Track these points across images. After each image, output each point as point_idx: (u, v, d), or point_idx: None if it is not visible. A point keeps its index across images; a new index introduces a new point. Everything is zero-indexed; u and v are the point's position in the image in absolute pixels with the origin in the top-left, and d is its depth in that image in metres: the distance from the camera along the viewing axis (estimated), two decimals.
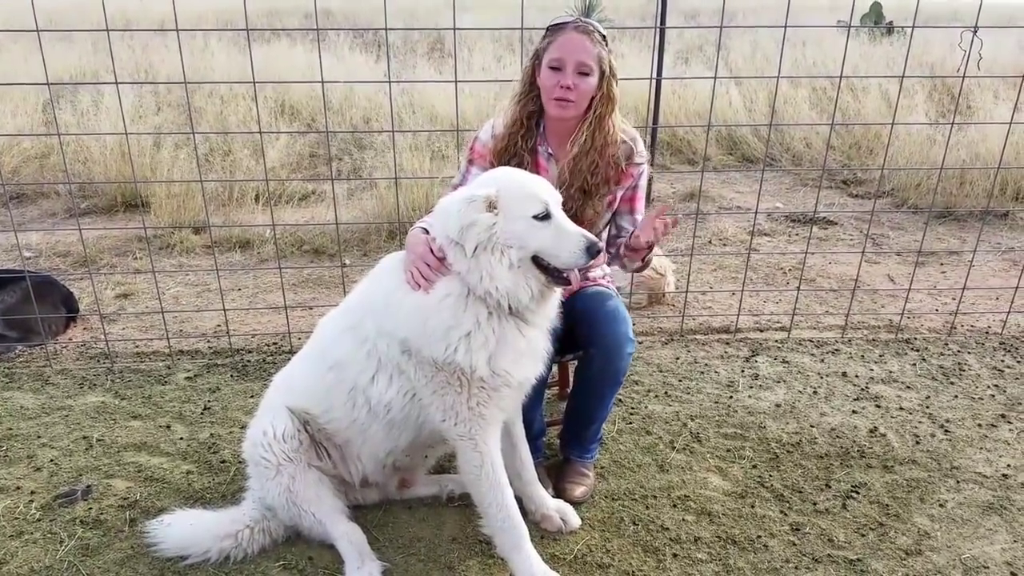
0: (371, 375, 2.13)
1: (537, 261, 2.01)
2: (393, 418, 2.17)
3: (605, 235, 2.58)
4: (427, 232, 2.09)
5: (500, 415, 2.15)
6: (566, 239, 1.97)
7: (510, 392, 2.10)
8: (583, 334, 2.42)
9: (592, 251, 1.96)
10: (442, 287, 2.01)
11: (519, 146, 2.42)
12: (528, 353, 2.09)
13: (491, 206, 1.96)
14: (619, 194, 2.48)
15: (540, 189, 2.02)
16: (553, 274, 2.02)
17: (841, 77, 3.61)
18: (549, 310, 2.12)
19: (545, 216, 1.98)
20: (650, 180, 5.53)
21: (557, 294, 2.15)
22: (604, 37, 2.36)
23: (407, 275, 2.06)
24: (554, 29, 2.36)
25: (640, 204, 2.53)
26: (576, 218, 2.28)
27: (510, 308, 2.00)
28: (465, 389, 2.04)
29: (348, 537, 2.23)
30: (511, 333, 2.03)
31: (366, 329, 2.12)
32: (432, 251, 2.03)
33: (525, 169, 2.32)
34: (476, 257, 1.95)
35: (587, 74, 2.31)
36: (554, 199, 2.04)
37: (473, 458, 2.11)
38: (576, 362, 2.61)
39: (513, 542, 2.15)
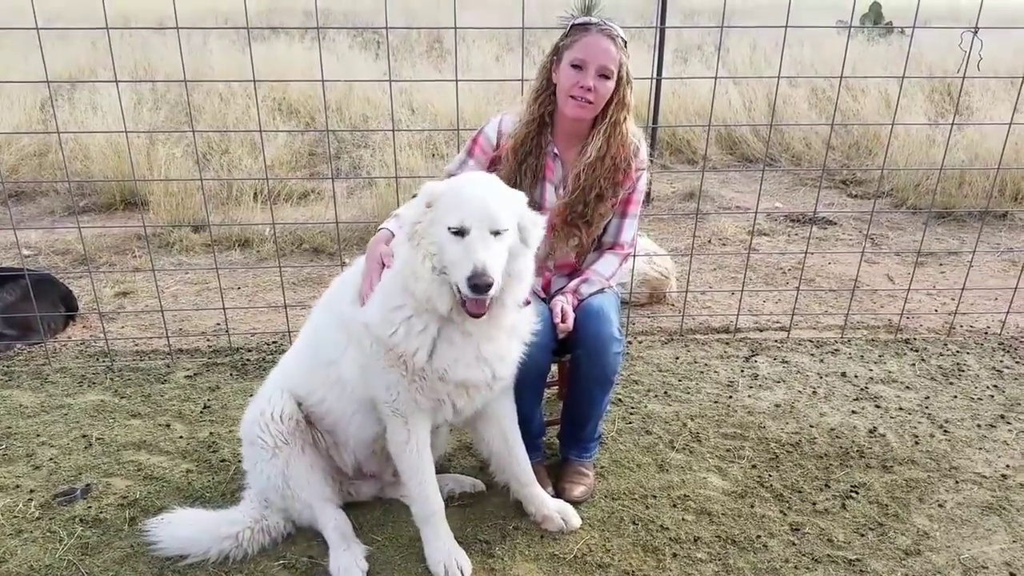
0: (342, 349, 2.18)
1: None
2: (359, 395, 2.21)
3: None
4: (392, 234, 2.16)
5: (434, 407, 2.14)
6: (462, 262, 1.88)
7: (447, 388, 2.09)
8: (570, 335, 2.41)
9: (472, 282, 1.85)
10: (393, 268, 2.06)
11: (535, 143, 2.43)
12: (472, 356, 2.06)
13: (429, 205, 1.99)
14: (619, 196, 2.49)
15: (472, 207, 1.91)
16: (464, 299, 1.94)
17: (841, 77, 3.60)
18: (492, 324, 2.04)
19: (458, 232, 1.91)
20: (649, 182, 5.52)
21: (510, 310, 2.07)
22: (626, 43, 2.38)
23: (363, 284, 2.12)
24: (578, 28, 2.37)
25: (634, 208, 2.55)
26: (587, 221, 2.38)
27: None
28: (407, 374, 2.06)
29: (335, 523, 2.26)
30: (454, 332, 2.04)
31: (337, 310, 2.20)
32: (384, 257, 2.11)
33: (533, 167, 2.36)
34: (413, 250, 1.98)
35: (607, 77, 2.33)
36: (481, 223, 1.90)
37: (401, 434, 2.16)
38: None
39: (424, 516, 2.22)
